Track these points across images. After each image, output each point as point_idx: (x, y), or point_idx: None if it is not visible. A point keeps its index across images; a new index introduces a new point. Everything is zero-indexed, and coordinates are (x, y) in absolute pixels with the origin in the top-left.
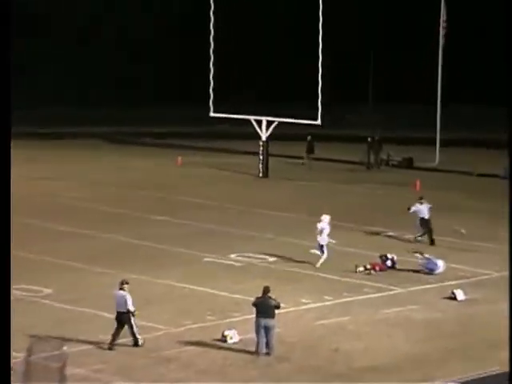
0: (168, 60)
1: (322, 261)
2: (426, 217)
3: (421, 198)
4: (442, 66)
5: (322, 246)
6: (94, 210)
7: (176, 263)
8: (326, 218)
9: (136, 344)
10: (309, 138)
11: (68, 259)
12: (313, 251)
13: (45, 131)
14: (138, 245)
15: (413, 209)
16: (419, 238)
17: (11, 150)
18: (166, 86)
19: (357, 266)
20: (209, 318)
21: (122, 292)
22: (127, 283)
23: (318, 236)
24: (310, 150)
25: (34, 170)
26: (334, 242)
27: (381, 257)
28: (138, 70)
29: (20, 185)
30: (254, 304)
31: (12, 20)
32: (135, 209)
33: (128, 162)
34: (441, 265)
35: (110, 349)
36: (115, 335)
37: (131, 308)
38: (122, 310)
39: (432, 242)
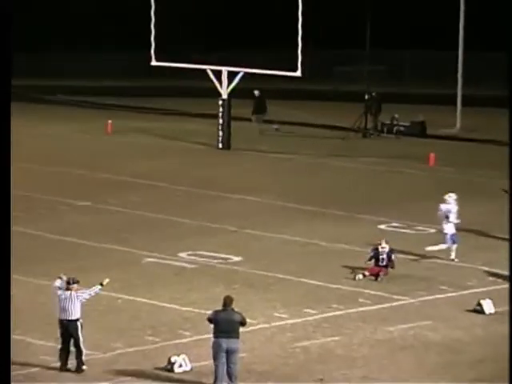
0: None
1: (454, 254)
2: None
3: None
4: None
5: (451, 235)
6: None
7: (105, 265)
8: (451, 198)
9: (80, 367)
10: (256, 93)
11: None
12: (430, 248)
13: None
14: (51, 240)
15: None
16: None
17: None
18: (95, 27)
19: (355, 273)
20: (150, 338)
21: (69, 293)
22: (77, 282)
23: (444, 223)
24: (259, 110)
25: None
26: (457, 221)
27: (370, 259)
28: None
29: None
30: (212, 319)
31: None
32: (48, 191)
33: (38, 128)
34: None
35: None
36: (64, 354)
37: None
38: (70, 318)
39: None
